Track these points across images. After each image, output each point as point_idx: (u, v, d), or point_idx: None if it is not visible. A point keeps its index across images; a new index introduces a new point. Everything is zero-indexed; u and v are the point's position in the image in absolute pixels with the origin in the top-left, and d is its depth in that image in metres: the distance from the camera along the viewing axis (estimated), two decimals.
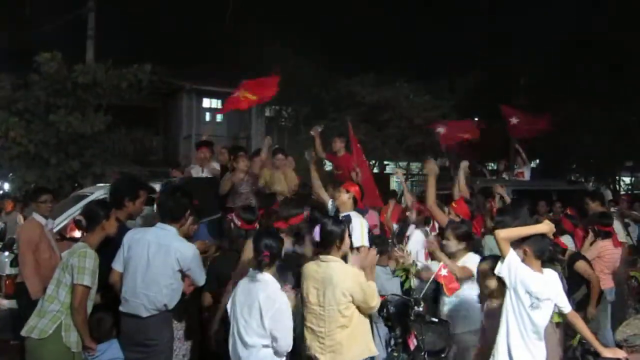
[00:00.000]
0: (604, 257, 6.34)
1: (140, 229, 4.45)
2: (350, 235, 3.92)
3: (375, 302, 3.78)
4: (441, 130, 11.35)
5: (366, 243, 5.02)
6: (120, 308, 4.10)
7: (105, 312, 4.19)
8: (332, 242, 3.70)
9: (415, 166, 18.55)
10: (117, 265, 4.12)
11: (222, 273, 4.40)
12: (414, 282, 4.91)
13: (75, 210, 6.31)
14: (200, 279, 4.26)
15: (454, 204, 5.90)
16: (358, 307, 3.70)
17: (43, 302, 3.90)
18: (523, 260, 3.69)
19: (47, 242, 5.15)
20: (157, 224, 4.24)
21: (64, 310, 3.83)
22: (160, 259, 4.03)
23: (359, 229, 5.00)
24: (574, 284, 5.41)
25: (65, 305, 3.84)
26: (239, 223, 4.65)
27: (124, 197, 4.58)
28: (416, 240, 6.13)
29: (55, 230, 5.66)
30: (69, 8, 14.36)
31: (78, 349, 3.89)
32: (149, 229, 4.28)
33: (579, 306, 5.42)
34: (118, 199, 4.59)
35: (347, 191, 5.35)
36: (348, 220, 4.29)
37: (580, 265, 5.61)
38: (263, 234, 3.77)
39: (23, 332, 3.84)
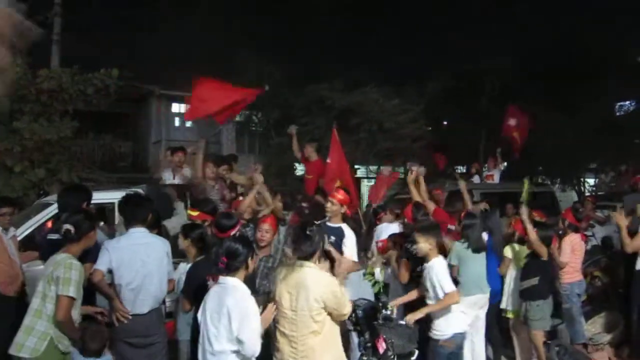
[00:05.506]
0: (576, 250, 6.50)
1: (116, 238, 4.59)
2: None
3: (347, 310, 3.83)
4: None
5: (355, 258, 5.18)
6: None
7: (97, 324, 4.24)
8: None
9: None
10: (102, 266, 4.16)
11: (200, 277, 4.24)
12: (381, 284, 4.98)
13: (40, 218, 6.24)
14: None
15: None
16: (330, 314, 3.73)
17: (30, 317, 3.87)
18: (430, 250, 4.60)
19: (4, 250, 5.03)
20: (130, 229, 4.36)
21: (53, 326, 3.83)
22: (152, 256, 4.28)
23: (351, 244, 5.14)
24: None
25: (52, 319, 3.83)
26: (214, 230, 4.68)
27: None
28: None
29: (19, 239, 5.58)
30: (33, 13, 14.03)
31: (68, 350, 3.96)
32: (125, 235, 4.39)
33: (526, 295, 5.60)
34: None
35: (336, 202, 5.34)
36: (340, 234, 4.76)
37: None
38: (228, 238, 3.77)
39: (12, 351, 3.80)
